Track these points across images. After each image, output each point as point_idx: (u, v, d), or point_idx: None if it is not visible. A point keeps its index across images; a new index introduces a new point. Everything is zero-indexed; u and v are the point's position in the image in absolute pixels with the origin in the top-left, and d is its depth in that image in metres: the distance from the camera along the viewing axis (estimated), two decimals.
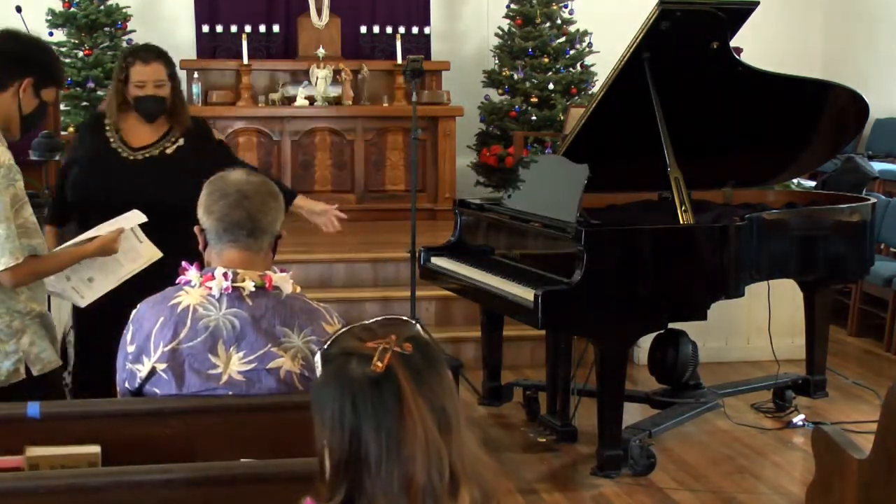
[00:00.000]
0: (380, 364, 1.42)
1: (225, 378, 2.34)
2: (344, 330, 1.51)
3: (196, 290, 2.38)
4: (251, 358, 2.34)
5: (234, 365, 2.34)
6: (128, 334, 2.42)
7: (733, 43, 4.71)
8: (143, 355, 2.37)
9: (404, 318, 1.55)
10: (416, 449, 1.40)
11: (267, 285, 2.38)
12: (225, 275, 2.36)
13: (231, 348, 2.34)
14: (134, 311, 2.46)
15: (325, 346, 1.50)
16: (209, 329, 2.34)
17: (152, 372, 2.36)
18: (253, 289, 2.37)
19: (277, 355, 2.34)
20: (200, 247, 2.49)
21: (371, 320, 1.53)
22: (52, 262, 3.08)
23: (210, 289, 2.36)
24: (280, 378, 2.34)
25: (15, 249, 2.88)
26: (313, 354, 2.33)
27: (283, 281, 2.41)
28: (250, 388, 2.34)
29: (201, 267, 2.44)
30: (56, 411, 2.36)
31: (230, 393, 2.34)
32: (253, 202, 2.40)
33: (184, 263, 2.46)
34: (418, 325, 1.54)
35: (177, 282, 2.44)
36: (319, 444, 1.46)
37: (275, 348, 2.35)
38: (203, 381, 2.33)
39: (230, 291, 2.36)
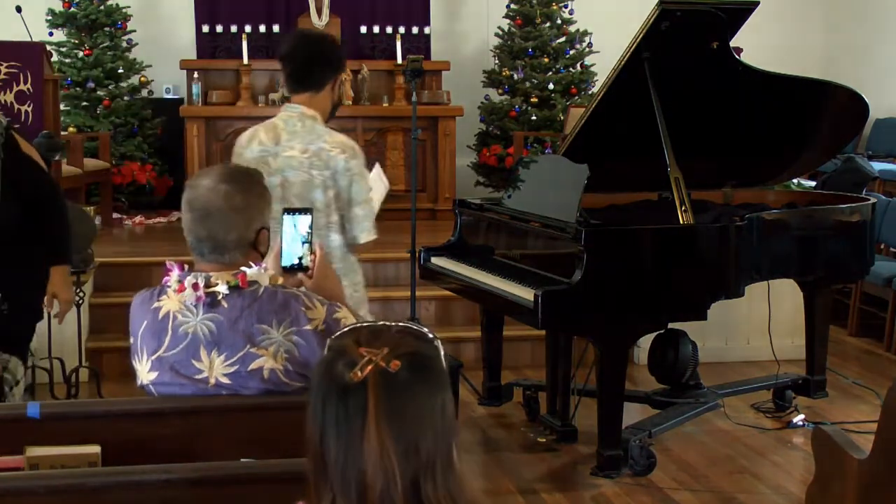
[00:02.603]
0: (359, 374, 1.39)
1: (212, 382, 2.33)
2: (356, 326, 1.49)
3: (175, 296, 2.35)
4: (233, 360, 2.32)
5: (218, 368, 2.32)
6: (130, 326, 2.42)
7: (733, 43, 4.71)
8: (136, 354, 2.39)
9: (425, 332, 1.48)
10: (368, 465, 1.37)
11: (241, 283, 2.34)
12: (195, 285, 2.31)
13: (212, 352, 2.32)
14: (133, 298, 2.44)
15: (335, 335, 1.48)
16: (189, 336, 2.33)
17: (149, 381, 2.37)
18: (227, 291, 2.32)
19: (257, 356, 2.32)
20: None
21: (392, 323, 1.47)
22: None
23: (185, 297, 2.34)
24: (264, 378, 2.32)
25: (373, 227, 3.54)
26: (296, 346, 2.32)
27: (259, 275, 2.36)
28: (237, 391, 2.33)
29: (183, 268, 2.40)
30: (56, 411, 2.36)
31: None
32: (214, 220, 2.33)
33: (167, 263, 2.41)
34: (433, 344, 1.46)
35: (163, 281, 2.40)
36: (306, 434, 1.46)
37: (253, 349, 2.31)
38: (192, 385, 2.33)
39: (204, 299, 2.32)
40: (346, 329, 1.49)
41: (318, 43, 3.64)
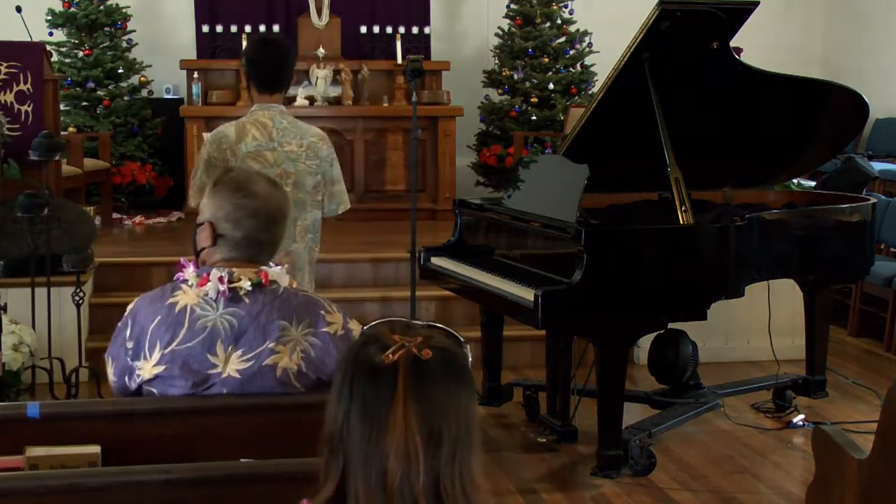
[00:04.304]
0: (390, 356, 1.41)
1: (223, 375, 2.33)
2: (391, 319, 1.51)
3: (193, 291, 2.37)
4: (249, 356, 2.33)
5: (233, 363, 2.33)
6: (126, 329, 2.40)
7: (733, 43, 4.71)
8: (141, 352, 2.37)
9: (458, 335, 1.52)
10: (391, 448, 1.38)
11: (263, 281, 2.38)
12: (220, 279, 2.34)
13: (230, 347, 2.34)
14: (131, 305, 2.44)
15: (368, 325, 1.51)
16: (207, 329, 2.34)
17: (153, 375, 2.36)
18: (249, 287, 2.36)
19: (274, 352, 2.34)
20: (208, 242, 2.42)
21: (425, 322, 1.51)
22: None
23: (207, 291, 2.35)
24: (276, 377, 2.33)
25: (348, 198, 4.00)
26: (313, 347, 2.34)
27: (279, 275, 2.41)
28: (245, 386, 2.33)
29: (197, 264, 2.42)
30: (56, 411, 2.35)
31: (225, 391, 2.33)
32: (279, 226, 2.46)
33: (182, 260, 2.44)
34: (463, 350, 1.51)
35: (175, 278, 2.41)
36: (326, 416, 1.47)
37: (272, 344, 2.34)
38: (195, 383, 2.33)
39: (227, 294, 2.35)
40: (382, 320, 1.52)
41: (287, 48, 4.02)
